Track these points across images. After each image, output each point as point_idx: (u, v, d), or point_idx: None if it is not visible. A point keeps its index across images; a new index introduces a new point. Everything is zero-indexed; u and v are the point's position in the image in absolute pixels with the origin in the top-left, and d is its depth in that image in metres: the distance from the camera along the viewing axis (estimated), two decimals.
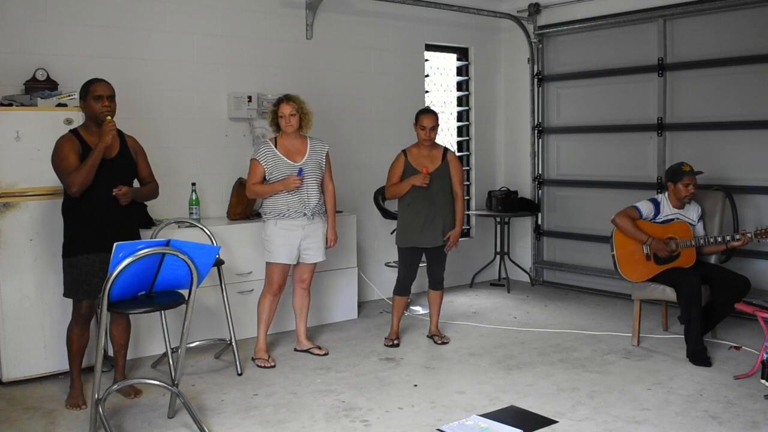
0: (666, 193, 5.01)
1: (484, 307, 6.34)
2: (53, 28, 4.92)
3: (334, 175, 5.66)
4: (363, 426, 3.73)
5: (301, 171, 4.64)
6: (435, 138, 5.07)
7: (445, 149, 5.17)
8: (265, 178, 4.68)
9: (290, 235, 4.67)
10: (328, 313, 5.80)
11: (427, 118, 5.02)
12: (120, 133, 4.05)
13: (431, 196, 5.01)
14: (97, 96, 3.87)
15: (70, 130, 3.99)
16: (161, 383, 3.85)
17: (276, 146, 4.69)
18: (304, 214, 4.69)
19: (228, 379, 4.48)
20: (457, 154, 7.42)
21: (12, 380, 4.36)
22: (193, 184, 5.33)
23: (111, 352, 4.31)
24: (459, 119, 7.43)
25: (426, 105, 6.94)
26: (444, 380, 4.43)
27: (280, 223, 4.66)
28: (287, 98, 4.68)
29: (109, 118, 3.86)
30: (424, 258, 5.22)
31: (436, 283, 5.22)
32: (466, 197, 7.48)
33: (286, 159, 4.67)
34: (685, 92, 6.14)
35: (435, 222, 5.02)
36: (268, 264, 4.74)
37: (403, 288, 5.19)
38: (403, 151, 5.11)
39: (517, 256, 7.40)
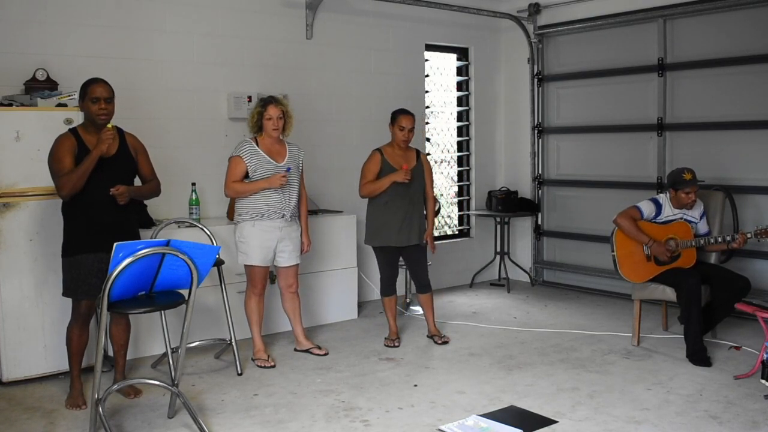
0: (667, 194, 5.01)
1: (484, 307, 6.34)
2: (53, 28, 4.92)
3: (335, 174, 5.68)
4: (363, 426, 3.73)
5: (289, 169, 4.61)
6: (411, 139, 5.06)
7: (418, 151, 5.16)
8: (247, 176, 4.62)
9: (267, 237, 4.64)
10: (328, 313, 5.80)
11: (406, 119, 4.99)
12: (120, 131, 4.05)
13: (410, 195, 5.02)
14: (94, 98, 3.86)
15: (69, 129, 3.98)
16: (161, 383, 3.85)
17: (258, 146, 4.67)
18: (282, 216, 4.66)
19: (228, 379, 4.48)
20: (457, 154, 7.44)
21: (12, 380, 4.36)
22: (193, 184, 5.33)
23: (111, 352, 4.31)
24: (459, 119, 7.43)
25: (425, 105, 6.95)
26: (444, 380, 4.42)
27: (257, 224, 4.62)
28: (275, 100, 4.65)
29: (109, 125, 3.83)
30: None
31: (423, 286, 5.20)
32: (466, 197, 7.50)
33: (269, 159, 4.64)
34: (685, 92, 6.13)
35: (413, 221, 5.03)
36: (247, 266, 4.71)
37: (388, 288, 5.18)
38: (378, 150, 5.07)
39: (517, 256, 7.40)
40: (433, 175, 5.29)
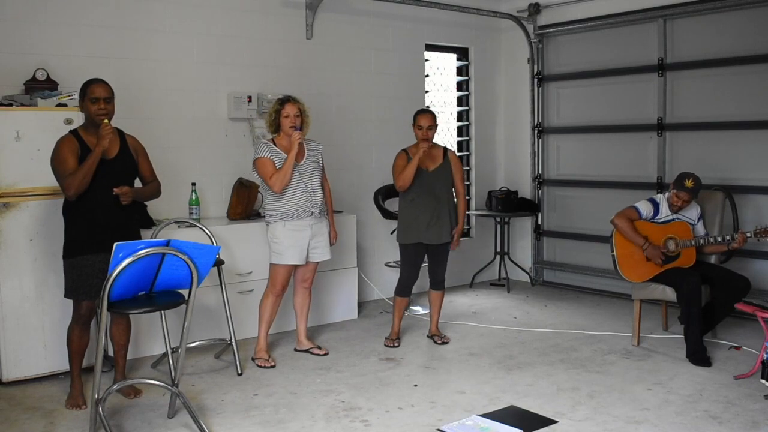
0: (666, 194, 5.02)
1: (484, 307, 6.34)
2: (53, 28, 4.92)
3: (335, 174, 5.66)
4: (363, 426, 3.73)
5: (299, 128, 4.61)
6: (433, 137, 5.06)
7: (445, 148, 5.18)
8: None
9: (299, 236, 4.67)
10: (328, 313, 5.80)
11: (423, 117, 5.01)
12: (120, 132, 4.05)
13: (435, 192, 5.02)
14: (93, 98, 3.86)
15: (70, 131, 3.99)
16: (161, 383, 3.85)
17: (275, 146, 4.69)
18: (312, 213, 4.70)
19: (228, 379, 4.48)
20: (457, 154, 7.42)
21: (12, 380, 4.36)
22: (193, 184, 5.33)
23: (111, 352, 4.31)
24: (459, 119, 7.43)
25: (425, 105, 6.94)
26: (444, 380, 4.43)
27: (288, 224, 4.65)
28: (292, 99, 4.69)
29: (105, 121, 3.84)
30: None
31: (438, 282, 5.22)
32: (467, 197, 7.49)
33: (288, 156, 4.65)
34: (685, 92, 6.13)
35: (441, 219, 5.02)
36: (273, 265, 4.73)
37: (405, 288, 5.18)
38: (404, 150, 5.10)
39: (517, 256, 7.40)
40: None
